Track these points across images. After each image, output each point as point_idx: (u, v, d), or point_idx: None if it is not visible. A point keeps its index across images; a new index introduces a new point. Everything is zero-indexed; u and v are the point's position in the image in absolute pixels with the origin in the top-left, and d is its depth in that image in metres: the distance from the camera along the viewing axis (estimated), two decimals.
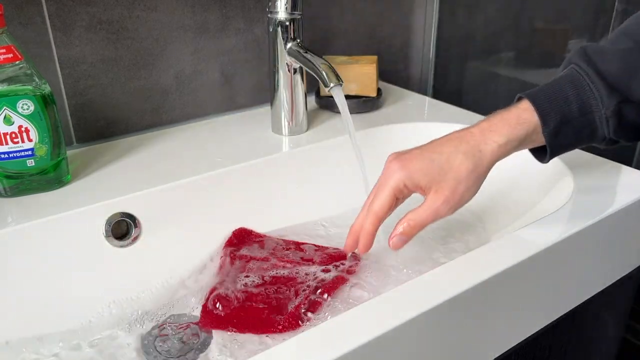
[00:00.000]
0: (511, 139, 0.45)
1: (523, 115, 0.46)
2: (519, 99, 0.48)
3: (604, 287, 0.57)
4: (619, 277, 0.58)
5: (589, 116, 0.45)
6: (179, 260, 0.57)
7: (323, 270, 0.54)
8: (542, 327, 0.51)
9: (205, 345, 0.49)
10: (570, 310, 0.54)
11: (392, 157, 0.48)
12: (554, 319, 0.52)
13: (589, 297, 0.55)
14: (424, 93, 1.00)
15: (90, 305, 0.52)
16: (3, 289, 0.50)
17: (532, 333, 0.51)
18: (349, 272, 0.53)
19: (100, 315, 0.51)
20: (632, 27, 0.47)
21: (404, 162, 0.46)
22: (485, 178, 0.46)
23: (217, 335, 0.49)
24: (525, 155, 0.51)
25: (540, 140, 0.47)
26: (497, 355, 0.48)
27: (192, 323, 0.51)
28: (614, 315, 0.66)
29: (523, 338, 0.50)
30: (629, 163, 0.61)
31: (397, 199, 0.47)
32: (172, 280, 0.56)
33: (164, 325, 0.51)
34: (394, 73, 0.96)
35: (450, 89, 1.01)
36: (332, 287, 0.51)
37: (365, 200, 0.50)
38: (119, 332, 0.50)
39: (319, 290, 0.51)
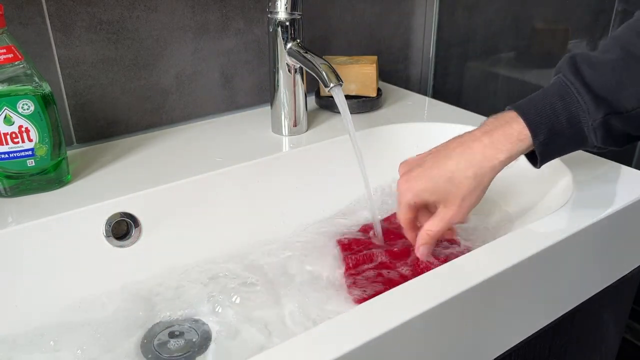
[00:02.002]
0: (512, 154, 0.47)
1: (524, 132, 0.47)
2: (509, 109, 0.49)
3: (604, 287, 0.57)
4: (619, 277, 0.58)
5: (578, 126, 0.46)
6: (179, 260, 0.57)
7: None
8: (542, 327, 0.51)
9: (204, 345, 0.49)
10: (570, 310, 0.54)
11: (400, 170, 0.53)
12: (554, 319, 0.53)
13: (589, 297, 0.55)
14: (424, 93, 1.00)
15: (90, 305, 0.52)
16: (3, 288, 0.50)
17: (532, 333, 0.51)
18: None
19: (100, 315, 0.51)
20: (624, 34, 0.46)
21: (410, 183, 0.50)
22: (487, 188, 0.49)
23: (217, 335, 0.49)
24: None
25: (531, 149, 0.48)
26: (497, 355, 0.48)
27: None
28: (614, 315, 0.66)
29: (523, 338, 0.50)
30: (629, 163, 0.61)
31: (416, 209, 0.52)
32: (172, 280, 0.56)
33: (164, 325, 0.51)
34: (394, 73, 0.96)
35: (450, 89, 1.01)
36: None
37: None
38: (119, 331, 0.50)
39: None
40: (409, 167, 0.52)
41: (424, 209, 0.54)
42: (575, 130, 0.46)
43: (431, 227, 0.51)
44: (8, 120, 0.52)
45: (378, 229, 0.59)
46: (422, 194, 0.50)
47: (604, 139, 0.46)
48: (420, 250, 0.52)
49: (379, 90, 0.79)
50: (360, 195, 0.66)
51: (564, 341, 0.58)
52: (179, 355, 0.48)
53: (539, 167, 0.50)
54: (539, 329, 0.51)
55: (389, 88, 0.88)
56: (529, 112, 0.47)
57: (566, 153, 0.49)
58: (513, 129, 0.47)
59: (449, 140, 0.51)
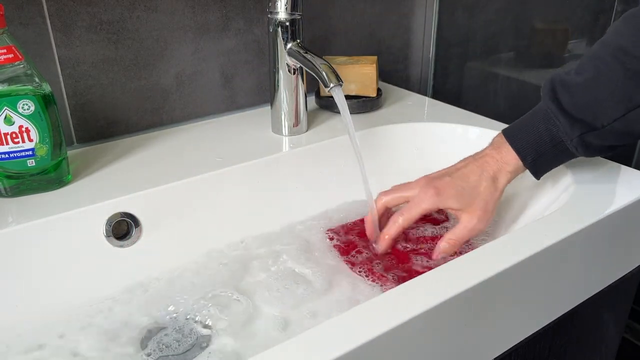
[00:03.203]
0: (517, 168, 0.54)
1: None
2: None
3: (604, 287, 0.57)
4: (618, 277, 0.58)
5: (561, 145, 0.52)
6: (179, 260, 0.57)
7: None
8: (542, 327, 0.52)
9: (204, 344, 0.49)
10: (570, 310, 0.54)
11: (425, 180, 0.56)
12: (554, 319, 0.53)
13: (588, 297, 0.56)
14: (424, 93, 1.00)
15: (90, 304, 0.52)
16: (3, 289, 0.50)
17: (532, 333, 0.51)
18: None
19: (100, 315, 0.51)
20: (597, 52, 0.50)
21: (439, 189, 0.54)
22: (501, 196, 0.55)
23: (217, 335, 0.50)
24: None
25: None
26: (496, 355, 0.48)
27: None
28: (614, 315, 0.66)
29: (523, 338, 0.50)
30: (629, 163, 0.61)
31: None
32: (173, 280, 0.56)
33: (164, 325, 0.51)
34: (394, 73, 0.96)
35: (450, 89, 1.01)
36: None
37: (381, 195, 0.59)
38: (119, 331, 0.50)
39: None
40: (431, 179, 0.56)
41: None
42: (559, 149, 0.52)
43: (454, 236, 0.55)
44: (8, 120, 0.52)
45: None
46: (448, 200, 0.54)
47: (585, 152, 0.51)
48: (439, 258, 0.56)
49: (379, 90, 0.79)
50: (360, 195, 0.66)
51: (564, 341, 0.58)
52: (179, 355, 0.48)
53: (539, 179, 0.55)
54: (539, 328, 0.51)
55: (389, 88, 0.88)
56: (515, 138, 0.54)
57: (559, 164, 0.55)
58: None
59: (465, 159, 0.57)
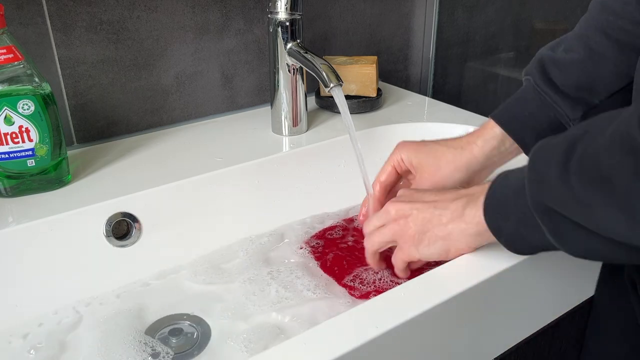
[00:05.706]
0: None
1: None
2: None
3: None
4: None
5: (562, 130, 0.48)
6: (179, 260, 0.58)
7: None
8: (541, 327, 0.52)
9: (205, 343, 0.49)
10: (570, 310, 0.54)
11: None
12: (554, 319, 0.53)
13: (588, 296, 0.56)
14: (424, 93, 1.00)
15: (90, 304, 0.52)
16: (3, 288, 0.50)
17: (531, 333, 0.51)
18: None
19: (100, 315, 0.51)
20: (584, 29, 0.49)
21: (402, 144, 0.55)
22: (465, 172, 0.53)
23: (217, 333, 0.50)
24: (524, 155, 0.52)
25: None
26: (497, 355, 0.48)
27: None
28: None
29: (522, 338, 0.50)
30: None
31: (398, 172, 0.56)
32: (173, 279, 0.56)
33: (164, 324, 0.51)
34: (394, 73, 0.96)
35: (450, 89, 1.01)
36: None
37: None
38: (119, 331, 0.50)
39: None
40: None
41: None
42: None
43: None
44: (8, 120, 0.52)
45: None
46: (406, 151, 0.54)
47: None
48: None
49: (379, 90, 0.79)
50: (360, 195, 0.67)
51: (563, 341, 0.58)
52: (180, 354, 0.48)
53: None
54: (538, 328, 0.51)
55: (389, 88, 0.88)
56: (513, 127, 0.51)
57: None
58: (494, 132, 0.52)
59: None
